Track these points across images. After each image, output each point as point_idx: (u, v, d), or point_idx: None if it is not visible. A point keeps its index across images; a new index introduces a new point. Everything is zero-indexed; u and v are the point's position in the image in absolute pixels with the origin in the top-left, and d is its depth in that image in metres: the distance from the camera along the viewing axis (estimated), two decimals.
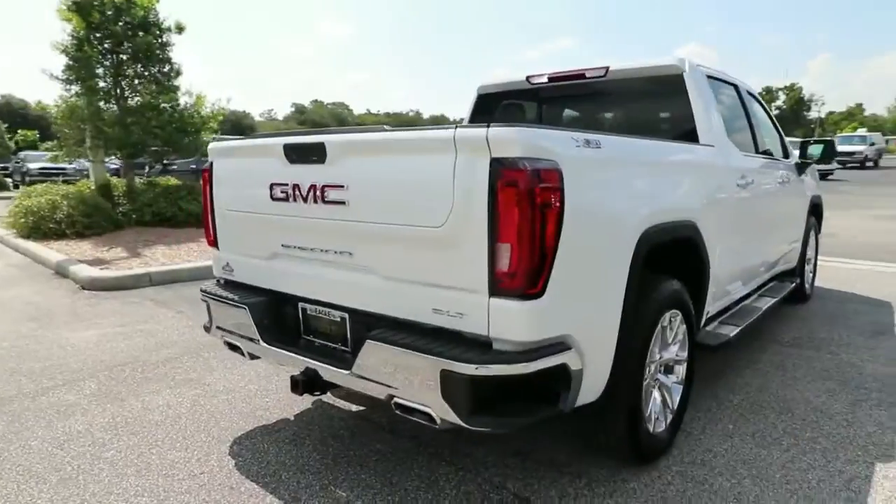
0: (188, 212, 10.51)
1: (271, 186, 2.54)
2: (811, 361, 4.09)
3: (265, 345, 2.63)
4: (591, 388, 2.19)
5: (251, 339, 2.70)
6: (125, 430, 3.14)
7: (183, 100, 11.34)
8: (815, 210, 5.71)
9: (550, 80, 3.93)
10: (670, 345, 2.76)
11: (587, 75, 3.73)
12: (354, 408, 3.40)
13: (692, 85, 3.38)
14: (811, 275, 5.94)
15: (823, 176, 24.74)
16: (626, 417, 2.44)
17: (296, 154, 2.42)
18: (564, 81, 3.87)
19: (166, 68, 11.23)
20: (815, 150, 5.09)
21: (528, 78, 4.03)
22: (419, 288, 2.14)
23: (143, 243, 8.82)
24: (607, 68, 3.65)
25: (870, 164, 30.91)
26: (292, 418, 3.27)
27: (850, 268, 7.32)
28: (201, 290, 3.01)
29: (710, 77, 3.61)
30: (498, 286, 1.92)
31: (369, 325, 2.34)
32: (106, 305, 5.86)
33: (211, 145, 2.97)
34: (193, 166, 14.36)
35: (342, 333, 2.48)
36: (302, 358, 2.50)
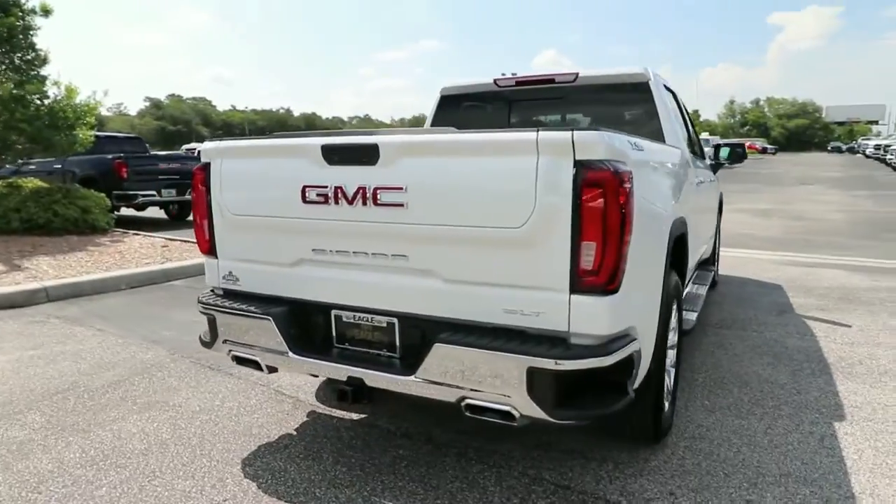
0: (66, 217, 9.38)
1: (304, 189, 2.41)
2: (744, 340, 4.61)
3: (296, 356, 2.48)
4: (640, 375, 2.35)
5: (276, 352, 2.53)
6: (108, 463, 2.80)
7: (51, 91, 10.08)
8: (720, 206, 6.44)
9: (519, 83, 4.07)
10: (673, 330, 3.01)
11: (556, 80, 3.92)
12: (355, 416, 3.30)
13: (656, 92, 3.69)
14: (717, 263, 6.68)
15: None
16: (654, 399, 2.64)
17: (338, 155, 2.32)
18: (533, 85, 4.03)
19: (30, 55, 9.93)
20: (724, 152, 5.74)
21: (495, 81, 4.14)
22: (489, 289, 2.15)
23: (19, 254, 7.75)
24: (577, 74, 3.87)
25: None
26: (295, 433, 3.11)
27: (732, 255, 8.28)
28: (201, 303, 2.77)
29: (664, 85, 3.95)
30: (580, 283, 2.00)
31: (424, 329, 2.31)
32: (2, 327, 5.10)
33: (209, 144, 2.73)
34: (58, 166, 12.78)
35: (388, 339, 2.42)
36: (344, 367, 2.41)
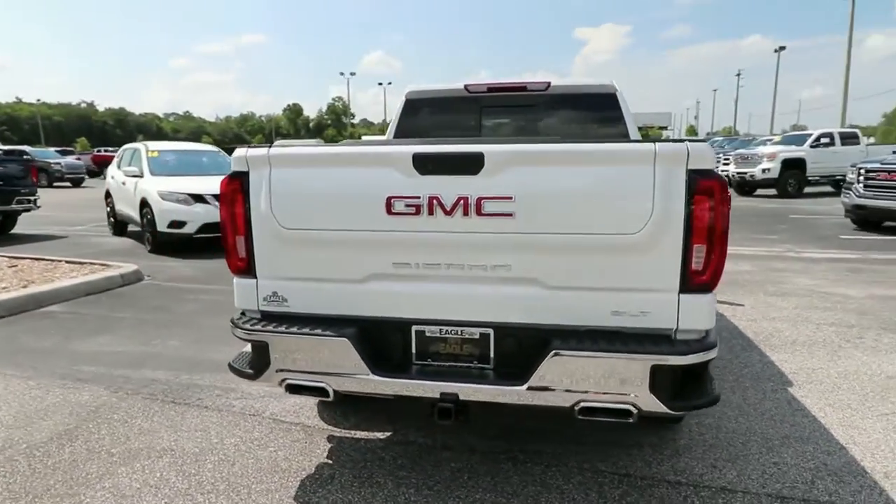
0: None
1: (389, 200, 2.27)
2: None
3: (380, 377, 2.33)
4: None
5: (353, 375, 2.35)
6: None
7: None
8: None
9: (490, 89, 4.17)
10: None
11: (529, 88, 4.09)
12: (380, 435, 3.16)
13: (622, 101, 4.03)
14: None
15: None
16: None
17: (433, 165, 2.22)
18: (505, 92, 4.16)
19: None
20: None
21: (466, 86, 4.19)
22: (595, 294, 2.23)
23: None
24: (549, 83, 4.07)
25: None
26: (330, 461, 2.89)
27: None
28: (245, 329, 2.47)
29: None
30: (690, 283, 2.16)
31: (522, 338, 2.32)
32: None
33: (244, 151, 2.44)
34: None
35: (481, 351, 2.37)
36: (437, 383, 2.32)
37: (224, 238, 2.54)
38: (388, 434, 3.16)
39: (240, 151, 2.46)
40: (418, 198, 2.25)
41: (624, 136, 3.97)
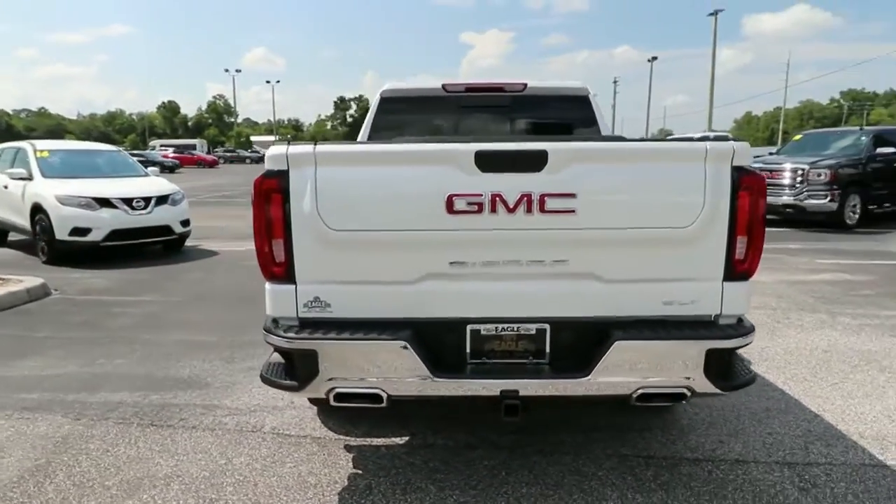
0: None
1: (450, 198, 2.23)
2: None
3: (441, 379, 2.28)
4: None
5: (411, 379, 2.28)
6: None
7: None
8: None
9: (469, 89, 4.20)
10: None
11: (506, 89, 4.18)
12: (399, 440, 3.08)
13: (594, 103, 4.23)
14: None
15: None
16: None
17: (495, 162, 2.21)
18: (483, 92, 4.20)
19: None
20: None
21: (444, 86, 4.19)
22: (648, 285, 2.34)
23: None
24: (525, 84, 4.17)
25: None
26: (358, 471, 2.78)
27: None
28: (286, 337, 2.31)
29: None
30: (732, 272, 2.33)
31: (578, 331, 2.38)
32: None
33: (297, 148, 2.28)
34: None
35: (536, 346, 2.39)
36: (497, 381, 2.32)
37: (258, 241, 2.36)
38: (406, 438, 3.09)
39: (277, 149, 2.30)
40: (481, 195, 2.23)
41: (596, 132, 4.16)
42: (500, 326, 2.39)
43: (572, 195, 2.23)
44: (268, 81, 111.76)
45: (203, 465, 2.84)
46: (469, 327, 2.39)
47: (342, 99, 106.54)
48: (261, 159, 26.36)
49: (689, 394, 2.32)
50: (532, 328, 2.39)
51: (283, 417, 3.33)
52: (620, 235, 2.27)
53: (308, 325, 2.38)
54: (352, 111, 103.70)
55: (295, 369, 2.37)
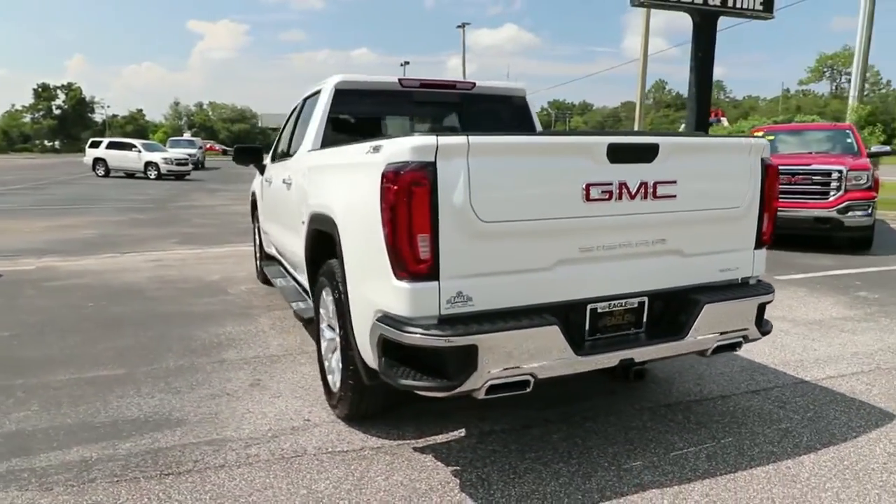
0: None
1: (587, 187, 2.39)
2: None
3: (582, 357, 2.45)
4: None
5: (557, 361, 2.40)
6: None
7: None
8: None
9: (423, 85, 4.24)
10: None
11: (457, 86, 4.35)
12: (453, 435, 3.08)
13: (530, 102, 4.66)
14: None
15: (181, 176, 26.94)
16: None
17: (622, 154, 2.44)
18: (436, 89, 4.29)
19: None
20: None
21: (400, 80, 4.17)
22: (711, 257, 2.82)
23: None
24: (474, 83, 4.40)
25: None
26: (457, 467, 2.74)
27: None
28: (443, 335, 2.21)
29: None
30: (760, 242, 2.95)
31: (666, 300, 2.76)
32: None
33: (447, 138, 2.17)
34: None
35: (636, 318, 2.68)
36: (616, 353, 2.57)
37: (395, 237, 2.21)
38: (462, 432, 3.10)
39: (425, 139, 2.19)
40: (611, 184, 2.45)
41: (531, 128, 4.59)
42: (612, 303, 2.63)
43: (674, 182, 2.59)
44: None
45: (285, 499, 2.49)
46: (589, 307, 2.58)
47: (45, 87, 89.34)
48: None
49: (743, 342, 2.88)
50: (635, 302, 2.69)
51: (315, 436, 3.04)
52: (701, 215, 2.71)
53: (448, 322, 2.31)
54: (59, 101, 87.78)
55: (447, 367, 2.29)
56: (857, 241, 8.32)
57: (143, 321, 5.13)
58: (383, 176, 2.27)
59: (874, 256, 8.21)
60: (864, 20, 17.00)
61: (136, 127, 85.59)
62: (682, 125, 22.15)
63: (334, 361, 3.28)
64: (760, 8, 11.82)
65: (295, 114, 5.14)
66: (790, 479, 2.63)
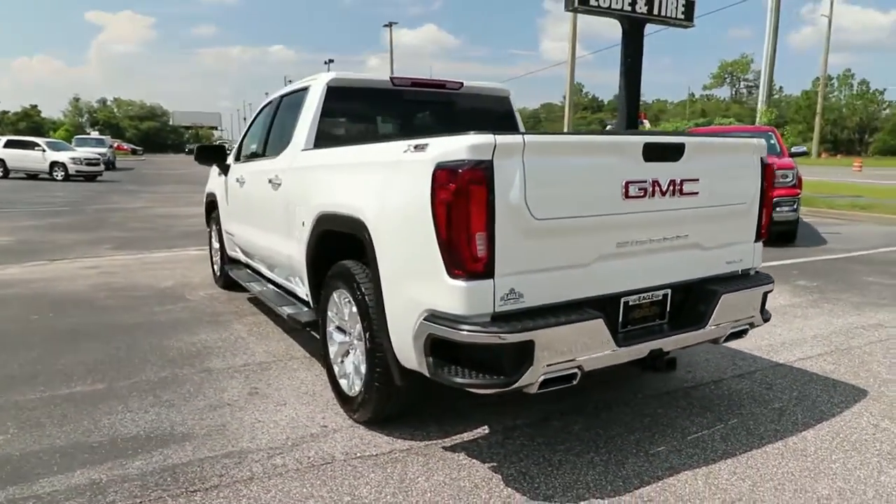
0: None
1: (626, 184, 2.48)
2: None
3: (622, 348, 2.54)
4: None
5: (601, 353, 2.48)
6: None
7: None
8: None
9: (414, 84, 4.22)
10: None
11: (447, 86, 4.36)
12: (480, 431, 3.10)
13: (511, 103, 4.75)
14: None
15: (91, 177, 25.10)
16: None
17: (655, 153, 2.55)
18: (427, 88, 4.28)
19: None
20: None
21: (392, 79, 4.12)
22: (723, 249, 3.00)
23: None
24: (462, 83, 4.43)
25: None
26: (501, 464, 2.76)
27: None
28: (501, 332, 2.23)
29: None
30: (758, 235, 3.16)
31: (683, 292, 2.91)
32: None
33: (504, 137, 2.19)
34: None
35: (660, 309, 2.80)
36: (647, 344, 2.68)
37: (454, 238, 2.21)
38: (485, 429, 3.12)
39: (482, 138, 2.20)
40: (646, 181, 2.56)
41: (515, 127, 4.68)
42: (641, 296, 2.75)
43: (697, 180, 2.74)
44: None
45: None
46: (622, 300, 2.68)
47: None
48: None
49: (750, 329, 3.08)
50: (660, 294, 2.81)
51: (338, 442, 2.97)
52: (717, 211, 2.89)
53: (503, 318, 2.33)
54: None
55: (503, 364, 2.31)
56: (784, 235, 9.05)
57: (102, 332, 4.78)
58: (435, 174, 2.26)
59: (800, 248, 8.96)
60: (770, 32, 18.45)
61: (30, 124, 78.80)
62: (609, 126, 23.11)
63: (348, 365, 3.21)
64: (682, 17, 12.57)
65: (268, 112, 4.97)
66: (800, 454, 2.85)
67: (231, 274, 5.61)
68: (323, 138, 3.85)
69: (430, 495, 2.52)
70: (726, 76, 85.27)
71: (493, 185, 2.21)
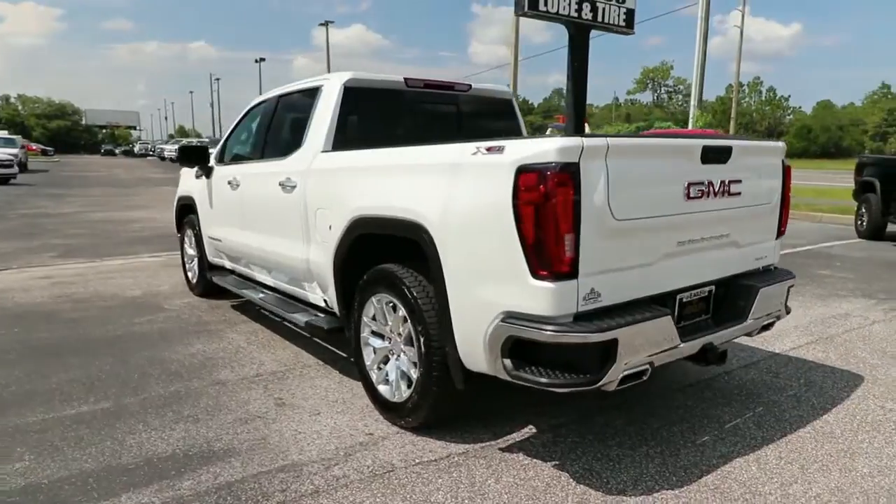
0: None
1: (688, 185, 2.58)
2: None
3: (686, 343, 2.64)
4: None
5: (669, 349, 2.57)
6: None
7: None
8: None
9: (426, 86, 4.20)
10: None
11: (455, 87, 4.38)
12: (526, 431, 3.13)
13: (515, 105, 4.82)
14: None
15: (4, 180, 23.20)
16: None
17: (711, 155, 2.67)
18: (438, 90, 4.27)
19: None
20: None
21: (406, 80, 4.08)
22: (753, 247, 3.17)
23: None
24: (470, 85, 4.46)
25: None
26: (562, 463, 2.79)
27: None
28: (586, 331, 2.27)
29: None
30: (778, 233, 3.37)
31: (724, 287, 3.05)
32: None
33: (591, 140, 2.22)
34: None
35: (705, 305, 2.93)
36: (700, 339, 2.80)
37: (543, 239, 2.24)
38: (529, 430, 3.15)
39: (570, 140, 2.23)
40: (703, 183, 2.67)
41: (517, 129, 4.75)
42: (693, 293, 2.86)
43: (740, 181, 2.88)
44: None
45: None
46: (678, 296, 2.79)
47: None
48: None
49: (777, 321, 3.27)
50: (706, 291, 2.94)
51: (391, 449, 2.91)
52: (752, 210, 3.05)
53: (585, 318, 2.37)
54: None
55: (588, 362, 2.35)
56: None
57: (83, 347, 4.46)
58: (518, 177, 2.27)
59: None
60: (700, 39, 19.53)
61: None
62: (549, 130, 23.62)
63: (391, 371, 3.16)
64: (623, 24, 13.12)
65: (262, 113, 4.80)
66: (830, 436, 3.05)
67: (217, 281, 5.36)
68: (341, 140, 3.76)
69: (507, 497, 2.52)
70: (648, 82, 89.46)
71: (580, 186, 2.24)
